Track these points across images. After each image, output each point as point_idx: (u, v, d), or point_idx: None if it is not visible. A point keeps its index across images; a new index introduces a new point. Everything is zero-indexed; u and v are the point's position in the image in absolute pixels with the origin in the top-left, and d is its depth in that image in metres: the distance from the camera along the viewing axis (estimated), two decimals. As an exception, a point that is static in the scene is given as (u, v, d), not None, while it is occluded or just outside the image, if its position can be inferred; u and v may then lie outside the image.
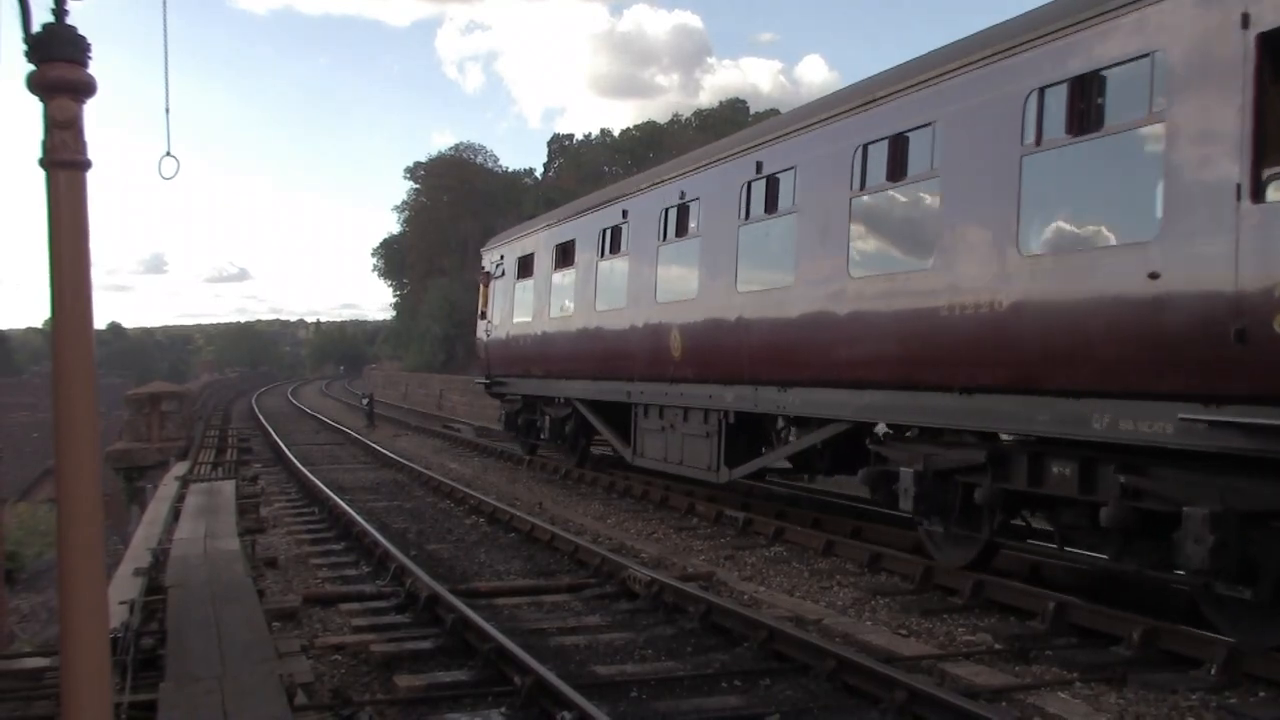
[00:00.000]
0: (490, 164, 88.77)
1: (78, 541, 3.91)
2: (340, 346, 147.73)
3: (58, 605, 4.06)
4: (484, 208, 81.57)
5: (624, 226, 16.32)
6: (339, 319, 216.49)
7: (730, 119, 66.09)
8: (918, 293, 9.63)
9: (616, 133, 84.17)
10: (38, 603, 18.25)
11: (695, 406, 14.06)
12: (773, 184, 12.28)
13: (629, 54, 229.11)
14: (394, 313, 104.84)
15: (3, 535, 8.14)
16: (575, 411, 18.85)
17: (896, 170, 10.14)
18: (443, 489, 18.24)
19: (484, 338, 23.55)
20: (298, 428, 37.97)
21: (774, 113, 56.51)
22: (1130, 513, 7.73)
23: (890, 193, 10.42)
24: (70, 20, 3.96)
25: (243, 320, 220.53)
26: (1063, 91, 8.14)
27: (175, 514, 14.30)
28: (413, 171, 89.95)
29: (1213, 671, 7.19)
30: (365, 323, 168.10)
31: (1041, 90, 8.32)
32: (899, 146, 10.07)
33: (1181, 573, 7.49)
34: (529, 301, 20.63)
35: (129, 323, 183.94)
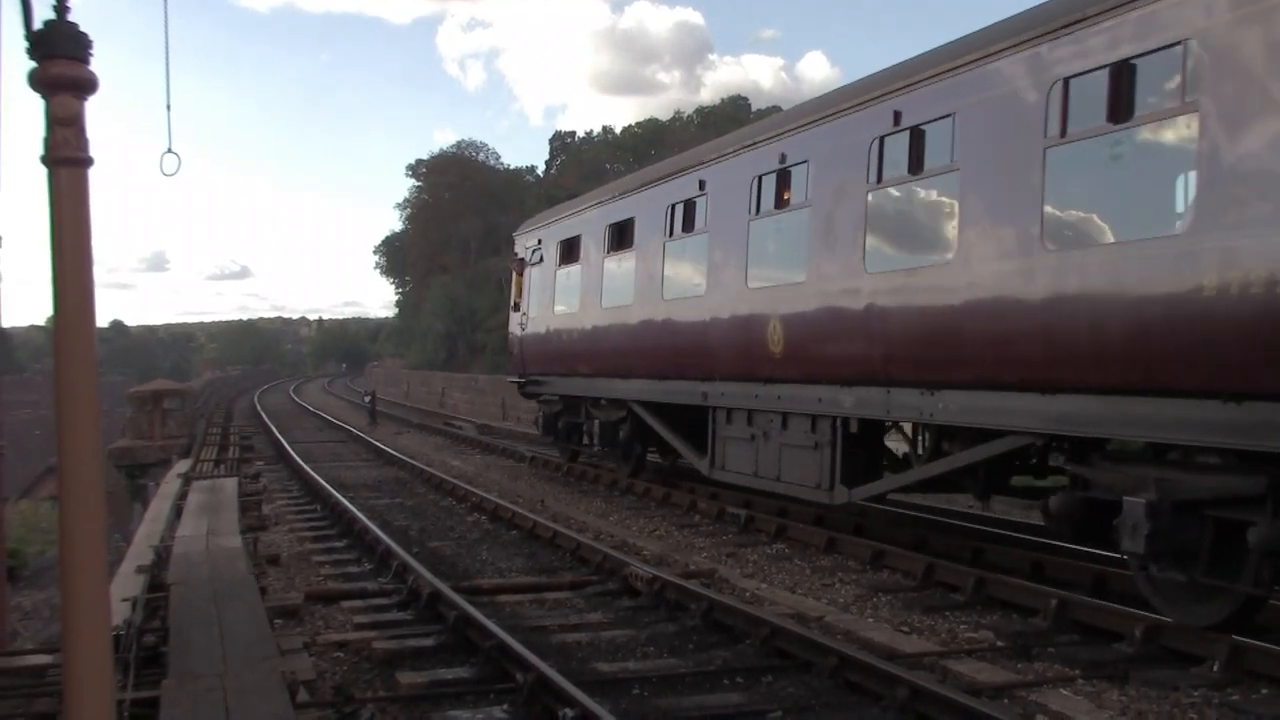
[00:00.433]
0: (492, 161, 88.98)
1: (80, 539, 3.91)
2: (342, 344, 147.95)
3: (60, 602, 4.06)
4: (486, 205, 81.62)
5: (700, 200, 14.09)
6: (341, 317, 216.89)
7: (732, 116, 66.10)
8: (1170, 270, 7.34)
9: (618, 130, 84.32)
10: (40, 600, 18.26)
11: (799, 411, 11.81)
12: (918, 138, 9.94)
13: (630, 51, 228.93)
14: (396, 310, 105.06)
15: (5, 532, 8.15)
16: (631, 415, 16.58)
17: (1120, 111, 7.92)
18: (444, 486, 18.25)
19: (518, 332, 21.20)
20: (299, 425, 37.98)
21: (775, 109, 56.36)
22: None
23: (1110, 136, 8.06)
24: (71, 17, 3.96)
25: (244, 318, 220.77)
26: None
27: (177, 511, 14.30)
28: (414, 169, 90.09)
29: (1215, 668, 7.19)
30: (367, 320, 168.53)
31: None
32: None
33: None
34: (574, 290, 18.29)
35: (131, 320, 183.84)
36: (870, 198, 10.56)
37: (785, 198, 12.17)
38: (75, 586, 3.90)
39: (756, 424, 12.75)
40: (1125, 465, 8.20)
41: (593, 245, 17.65)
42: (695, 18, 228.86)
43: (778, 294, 12.07)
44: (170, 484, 18.46)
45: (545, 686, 6.77)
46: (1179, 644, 7.65)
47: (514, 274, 21.85)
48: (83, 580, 3.90)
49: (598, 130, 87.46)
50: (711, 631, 8.64)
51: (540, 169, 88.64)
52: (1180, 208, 7.93)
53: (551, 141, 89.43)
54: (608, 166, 74.57)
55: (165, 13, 5.56)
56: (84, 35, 3.95)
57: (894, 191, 10.44)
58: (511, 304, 21.93)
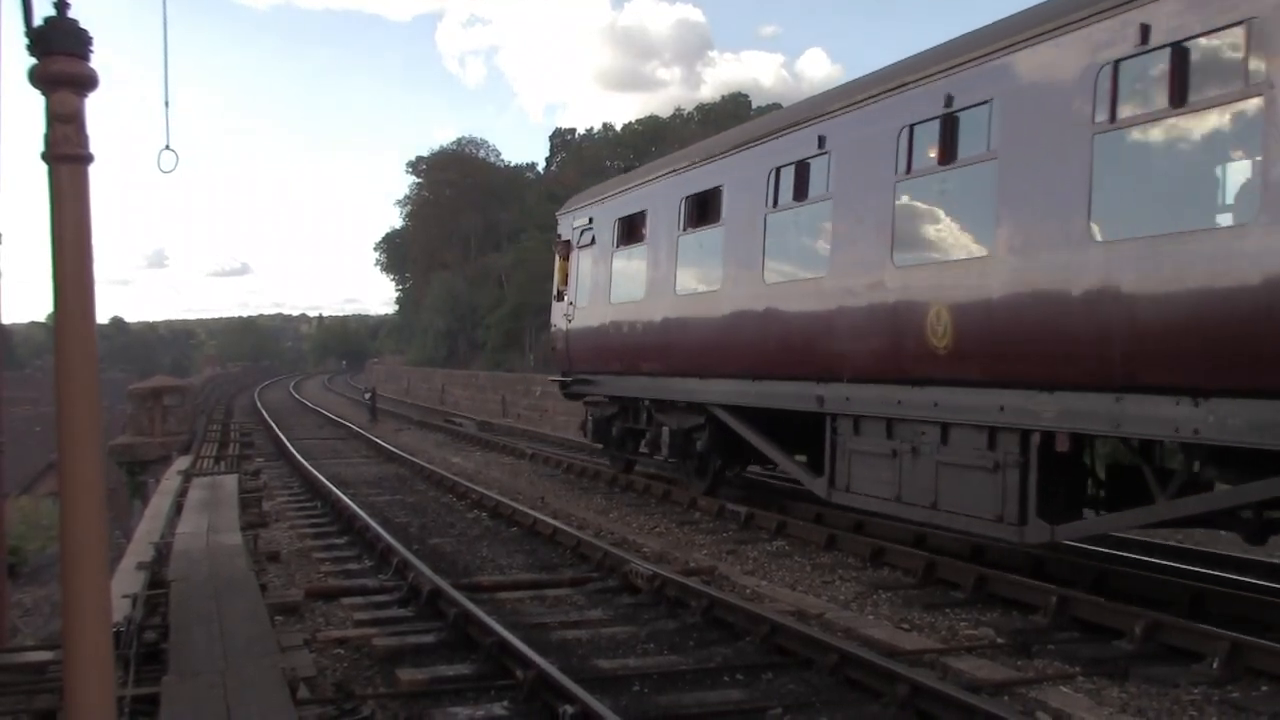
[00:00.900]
0: (492, 158, 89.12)
1: (80, 536, 3.91)
2: (342, 341, 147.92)
3: (60, 599, 4.06)
4: (486, 202, 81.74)
5: (818, 160, 11.63)
6: (341, 313, 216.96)
7: (733, 113, 66.01)
8: None
9: (619, 127, 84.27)
10: (40, 597, 18.25)
11: (968, 423, 9.34)
12: (1178, 58, 7.50)
13: (631, 48, 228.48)
14: (396, 307, 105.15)
15: (5, 529, 8.14)
16: (711, 422, 14.22)
17: None
18: (445, 483, 18.25)
19: (563, 325, 18.78)
20: (300, 422, 37.99)
21: (776, 106, 56.34)
22: None
23: None
24: (71, 14, 3.96)
25: (245, 315, 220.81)
26: None
27: (178, 508, 14.31)
28: (415, 166, 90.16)
29: (1215, 665, 7.19)
30: (367, 317, 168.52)
31: None
32: None
33: None
34: (638, 275, 15.90)
35: (131, 317, 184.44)
36: (1096, 145, 8.05)
37: (952, 151, 9.63)
38: (76, 583, 3.90)
39: (900, 436, 10.26)
40: None
41: (663, 221, 15.29)
42: (695, 14, 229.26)
43: (943, 274, 9.64)
44: (170, 481, 18.46)
45: (546, 683, 6.77)
46: (1179, 641, 7.65)
47: (558, 258, 19.24)
48: (83, 577, 3.91)
49: (598, 127, 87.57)
50: (712, 628, 8.65)
51: (541, 166, 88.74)
52: None
53: (552, 138, 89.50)
54: (608, 163, 74.52)
55: (164, 10, 5.56)
56: (84, 32, 3.95)
57: (1134, 134, 8.08)
58: (554, 293, 19.43)
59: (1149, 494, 8.39)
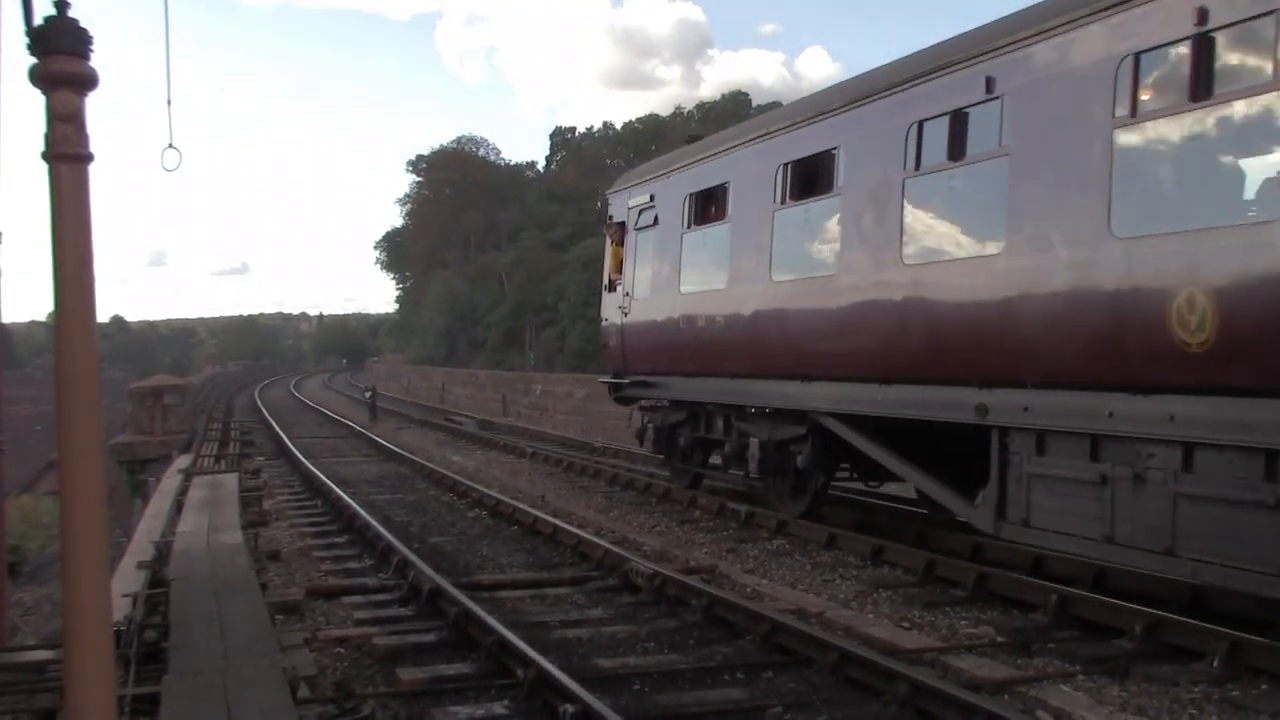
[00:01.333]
0: (492, 157, 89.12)
1: (81, 535, 3.91)
2: (342, 340, 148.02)
3: (61, 598, 4.06)
4: (486, 201, 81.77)
5: (982, 109, 9.30)
6: (341, 312, 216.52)
7: (733, 112, 65.99)
8: None
9: (619, 125, 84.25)
10: (41, 596, 18.26)
11: (1233, 443, 7.10)
12: None
13: (631, 46, 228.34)
14: (396, 306, 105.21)
15: (5, 528, 8.14)
16: (815, 432, 11.96)
17: None
18: (445, 482, 18.25)
19: (617, 319, 16.44)
20: (300, 421, 38.01)
21: (776, 104, 56.35)
22: None
23: None
24: (72, 13, 3.96)
25: (245, 314, 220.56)
26: None
27: (178, 507, 14.32)
28: (415, 164, 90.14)
29: (1215, 664, 7.19)
30: (367, 316, 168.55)
31: None
32: None
33: None
34: (718, 259, 13.72)
35: (132, 316, 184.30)
36: None
37: (1206, 82, 7.23)
38: (76, 582, 3.90)
39: (1109, 457, 8.06)
40: None
41: (751, 194, 12.99)
42: (695, 13, 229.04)
43: (1199, 246, 7.24)
44: (171, 480, 18.48)
45: (546, 682, 6.78)
46: (1179, 640, 7.64)
47: (609, 243, 17.05)
48: (84, 576, 3.91)
49: (598, 126, 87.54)
50: (712, 627, 8.65)
51: (541, 165, 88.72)
52: None
53: (552, 137, 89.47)
54: (608, 162, 74.57)
55: (166, 9, 5.56)
56: (84, 31, 3.95)
57: None
58: (605, 282, 17.25)
59: None
